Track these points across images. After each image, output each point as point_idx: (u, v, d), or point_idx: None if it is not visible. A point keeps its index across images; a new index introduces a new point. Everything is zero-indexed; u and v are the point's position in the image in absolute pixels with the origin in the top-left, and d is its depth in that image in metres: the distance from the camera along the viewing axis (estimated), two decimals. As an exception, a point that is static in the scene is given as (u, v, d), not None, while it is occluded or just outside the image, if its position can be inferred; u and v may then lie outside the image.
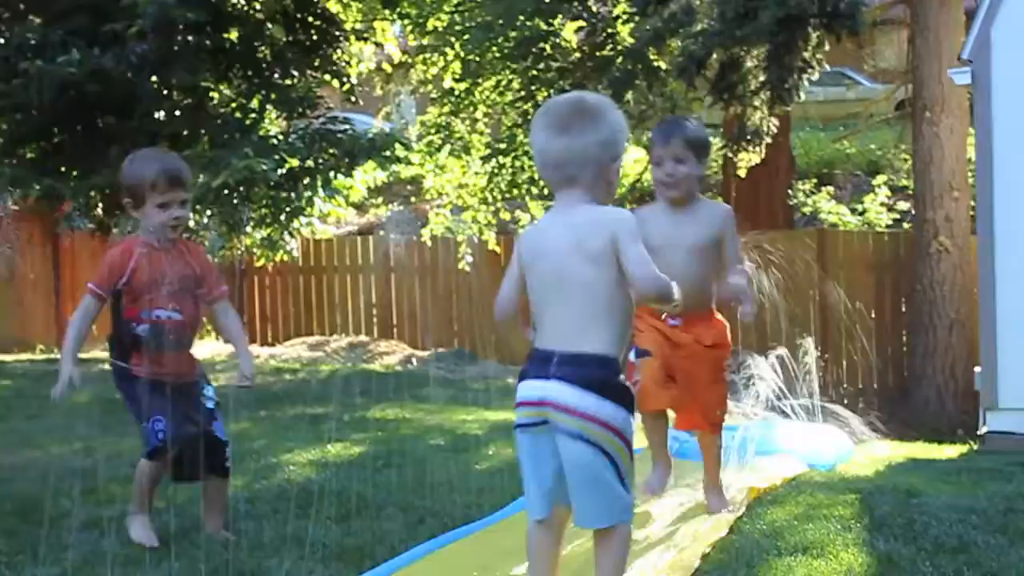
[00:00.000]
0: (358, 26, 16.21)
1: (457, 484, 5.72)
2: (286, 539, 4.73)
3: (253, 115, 14.78)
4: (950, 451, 8.94)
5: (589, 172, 3.61)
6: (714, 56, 13.87)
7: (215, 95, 14.59)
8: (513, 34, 15.95)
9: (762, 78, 13.79)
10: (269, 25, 15.23)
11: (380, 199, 23.79)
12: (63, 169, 13.90)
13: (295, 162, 14.04)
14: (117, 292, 4.80)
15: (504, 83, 16.71)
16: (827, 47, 13.90)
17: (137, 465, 4.93)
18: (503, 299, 3.77)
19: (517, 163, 16.75)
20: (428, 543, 4.67)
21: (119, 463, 6.31)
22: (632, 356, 5.17)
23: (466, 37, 16.44)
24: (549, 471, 3.57)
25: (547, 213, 3.81)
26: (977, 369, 10.02)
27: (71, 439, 6.95)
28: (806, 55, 13.42)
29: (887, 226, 18.90)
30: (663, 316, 5.05)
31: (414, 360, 14.58)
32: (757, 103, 14.32)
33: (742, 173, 16.06)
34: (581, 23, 16.03)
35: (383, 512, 5.22)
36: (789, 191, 19.59)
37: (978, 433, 9.84)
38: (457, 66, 16.76)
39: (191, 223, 14.92)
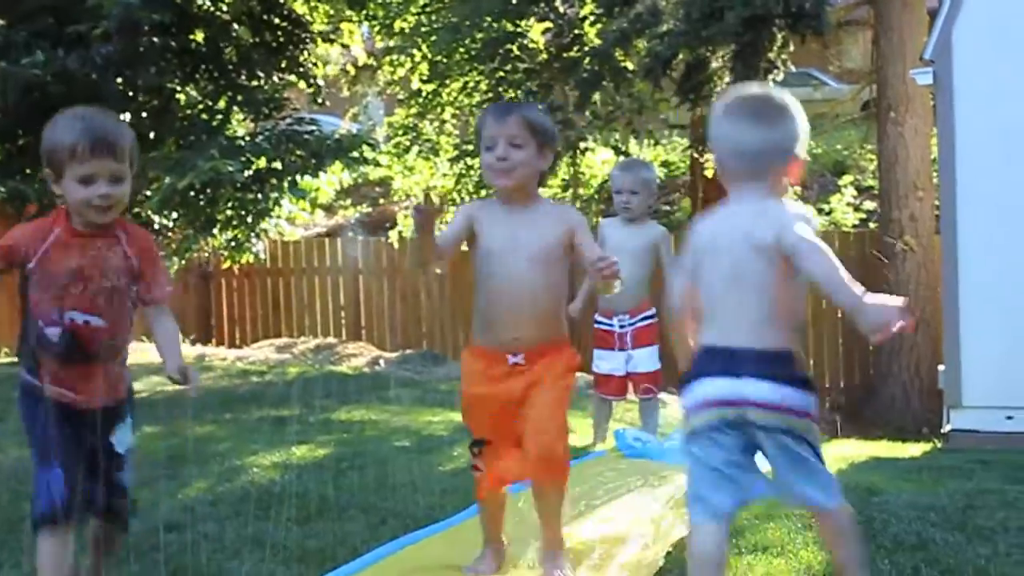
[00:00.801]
0: (325, 28, 16.18)
1: (421, 485, 5.72)
2: (247, 541, 4.70)
3: (219, 116, 14.72)
4: (913, 449, 8.99)
5: (780, 164, 3.59)
6: (680, 57, 13.93)
7: (181, 96, 14.54)
8: (480, 35, 15.97)
9: (728, 79, 13.83)
10: (235, 26, 15.18)
11: (348, 201, 23.77)
12: (28, 171, 13.82)
13: (262, 163, 13.99)
14: (24, 277, 3.76)
15: (471, 84, 16.74)
16: (792, 47, 13.96)
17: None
18: (678, 295, 3.72)
19: (485, 164, 16.78)
20: (389, 544, 4.64)
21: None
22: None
23: (433, 38, 16.45)
24: (742, 467, 3.51)
25: (723, 206, 3.68)
26: (941, 367, 10.06)
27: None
28: (771, 55, 13.47)
29: (853, 226, 19.03)
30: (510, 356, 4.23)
31: (381, 362, 14.52)
32: (723, 103, 14.39)
33: (709, 174, 16.13)
34: (548, 24, 16.05)
35: (346, 514, 5.20)
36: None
37: (942, 431, 9.88)
38: (424, 67, 16.78)
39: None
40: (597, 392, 7.60)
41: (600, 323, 7.40)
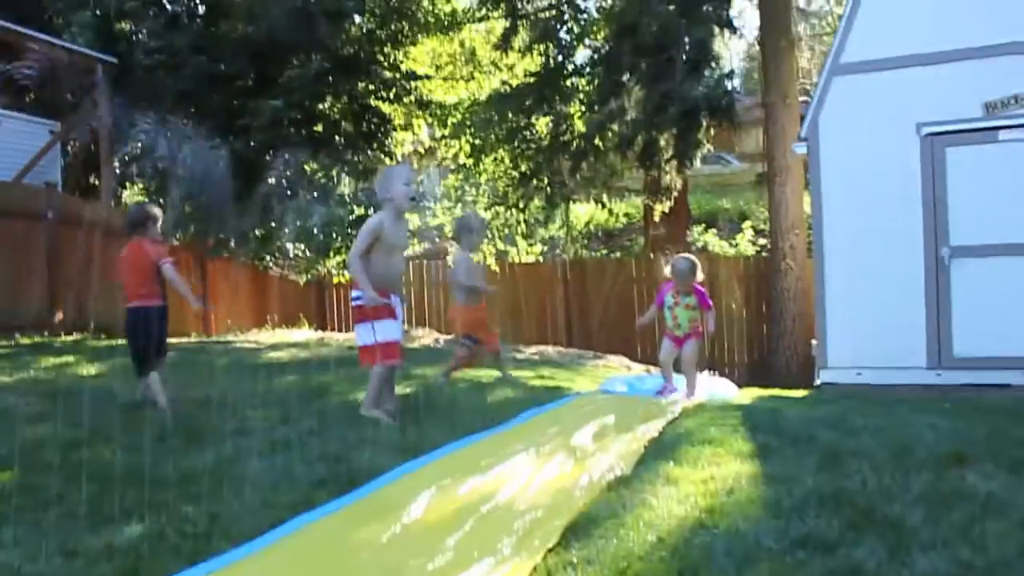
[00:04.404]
0: (402, 122, 16.32)
1: (477, 408, 5.73)
2: (367, 440, 4.71)
3: (333, 179, 14.88)
4: (797, 393, 8.96)
5: None
6: (639, 137, 13.96)
7: (308, 167, 14.69)
8: (504, 126, 16.04)
9: (671, 152, 13.87)
10: (343, 122, 15.31)
11: (416, 239, 23.82)
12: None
13: (360, 211, 14.13)
14: None
15: (499, 158, 16.79)
16: (713, 133, 14.00)
17: None
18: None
19: (508, 212, 16.81)
20: (458, 441, 4.64)
21: (249, 398, 6.27)
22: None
23: (472, 129, 16.53)
24: None
25: None
26: (813, 342, 10.03)
27: (214, 385, 6.95)
28: (700, 136, 13.52)
29: (753, 253, 19.00)
30: None
31: (440, 340, 14.53)
32: (667, 169, 14.40)
33: (656, 218, 16.16)
34: (550, 118, 16.12)
35: (428, 423, 5.20)
36: (687, 231, 19.67)
37: (815, 384, 9.84)
38: (467, 148, 16.85)
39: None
40: (391, 361, 5.47)
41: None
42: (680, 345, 6.94)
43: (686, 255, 7.44)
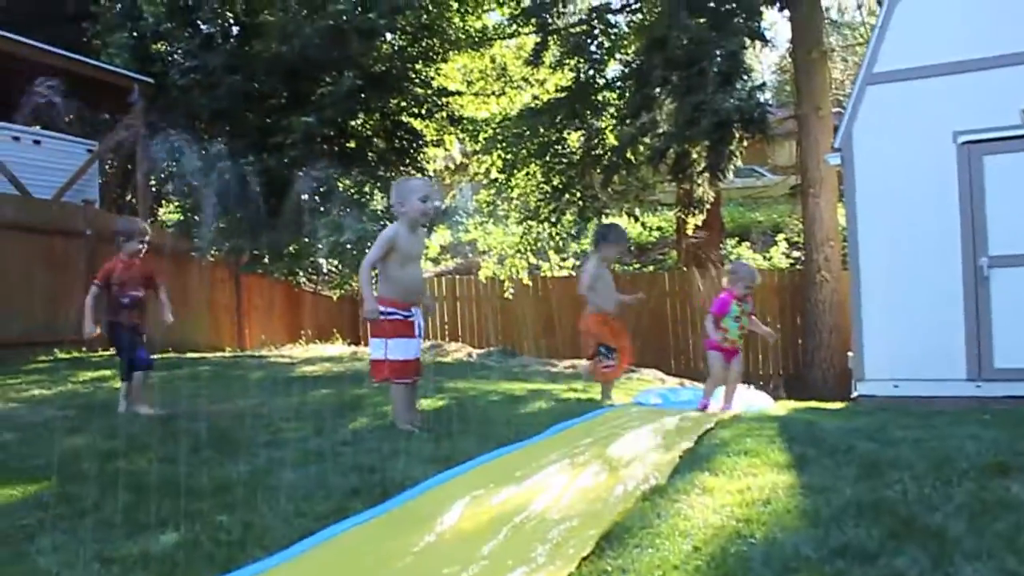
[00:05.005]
0: (434, 137, 16.37)
1: (510, 420, 5.70)
2: (398, 451, 4.69)
3: (365, 195, 14.94)
4: (834, 406, 8.85)
5: None
6: (671, 150, 13.90)
7: (341, 183, 14.79)
8: (536, 141, 16.04)
9: (703, 164, 13.78)
10: (375, 139, 15.38)
11: (448, 254, 23.87)
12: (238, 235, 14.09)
13: (394, 226, 14.20)
14: None
15: (530, 173, 16.79)
16: (744, 145, 13.91)
17: None
18: None
19: (540, 227, 16.81)
20: (491, 452, 4.61)
21: (283, 411, 6.30)
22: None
23: (504, 144, 16.55)
24: None
25: None
26: (850, 354, 9.90)
27: (248, 398, 6.99)
28: (731, 148, 13.44)
29: (787, 266, 18.85)
30: None
31: (474, 355, 14.51)
32: (700, 182, 14.32)
33: (689, 231, 16.07)
34: (581, 132, 16.11)
35: (462, 436, 5.17)
36: (721, 244, 19.55)
37: (851, 396, 9.71)
38: (499, 163, 16.86)
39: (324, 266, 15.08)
40: (401, 380, 5.40)
41: (397, 314, 5.30)
42: (731, 359, 6.86)
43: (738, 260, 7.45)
